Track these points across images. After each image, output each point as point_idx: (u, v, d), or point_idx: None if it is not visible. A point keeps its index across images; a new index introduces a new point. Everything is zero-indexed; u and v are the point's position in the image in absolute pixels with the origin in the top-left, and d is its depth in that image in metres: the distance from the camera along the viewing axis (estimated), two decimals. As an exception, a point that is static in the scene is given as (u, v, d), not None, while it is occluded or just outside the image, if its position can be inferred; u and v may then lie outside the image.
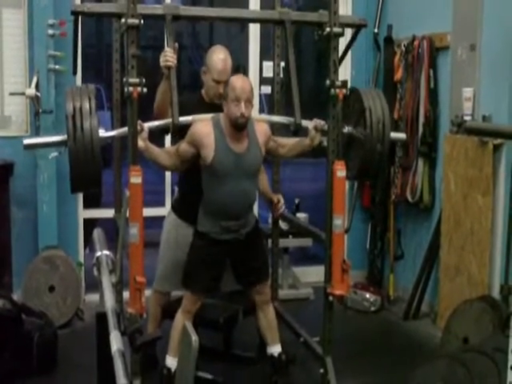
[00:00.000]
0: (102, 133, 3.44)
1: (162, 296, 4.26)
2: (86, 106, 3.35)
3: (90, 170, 3.35)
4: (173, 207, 4.30)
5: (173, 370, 3.81)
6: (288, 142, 4.02)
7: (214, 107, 3.91)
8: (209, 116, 3.81)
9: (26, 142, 3.59)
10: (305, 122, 3.87)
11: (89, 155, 3.30)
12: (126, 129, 3.56)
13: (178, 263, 4.06)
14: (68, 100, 3.36)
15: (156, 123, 3.74)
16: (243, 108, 3.62)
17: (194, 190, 3.89)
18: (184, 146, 3.73)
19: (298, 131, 3.81)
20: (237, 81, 3.69)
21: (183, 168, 3.85)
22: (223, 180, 3.74)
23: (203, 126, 3.73)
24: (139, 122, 3.48)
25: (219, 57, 4.04)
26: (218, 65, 4.00)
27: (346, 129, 3.89)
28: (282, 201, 4.24)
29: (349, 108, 3.96)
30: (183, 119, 3.71)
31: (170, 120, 3.64)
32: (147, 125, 3.55)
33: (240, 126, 3.68)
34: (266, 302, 4.06)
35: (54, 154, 4.74)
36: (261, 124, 3.91)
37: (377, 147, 3.82)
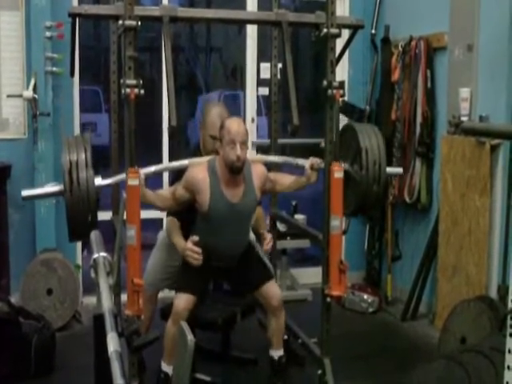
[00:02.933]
0: (98, 181, 3.48)
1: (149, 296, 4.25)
2: (82, 157, 3.38)
3: (87, 220, 3.38)
4: None
5: (170, 374, 3.80)
6: (285, 180, 4.04)
7: None
8: (205, 159, 3.85)
9: (24, 193, 3.63)
10: (301, 161, 3.95)
11: (85, 206, 3.36)
12: (121, 176, 3.60)
13: (163, 264, 4.21)
14: (64, 152, 3.40)
15: (152, 169, 3.77)
16: (239, 150, 3.62)
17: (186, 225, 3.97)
18: (180, 190, 3.76)
19: (296, 133, 3.81)
20: (232, 123, 3.71)
21: (179, 209, 3.89)
22: (216, 227, 3.79)
23: (199, 171, 3.76)
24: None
25: (216, 114, 4.12)
26: (214, 121, 4.07)
27: (343, 165, 3.87)
28: (269, 237, 4.18)
29: (344, 144, 3.97)
30: (179, 163, 3.87)
31: (166, 165, 3.71)
32: (143, 171, 3.56)
33: (236, 170, 3.70)
34: (279, 307, 3.99)
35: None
36: (257, 166, 3.93)
37: (373, 188, 3.84)
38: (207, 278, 4.00)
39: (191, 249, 3.74)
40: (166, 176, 5.39)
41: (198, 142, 4.34)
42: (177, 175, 4.02)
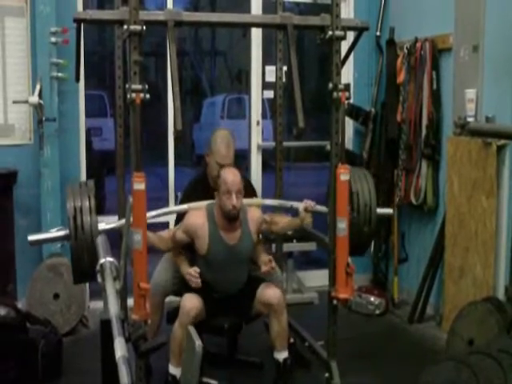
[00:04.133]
0: (102, 226, 3.65)
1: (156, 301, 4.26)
2: (86, 204, 3.53)
3: (92, 265, 3.40)
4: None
5: (178, 377, 3.82)
6: (280, 221, 4.20)
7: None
8: (203, 204, 4.03)
9: (31, 238, 3.76)
10: (295, 204, 4.15)
11: (90, 251, 3.46)
12: (122, 221, 3.72)
13: (168, 277, 4.25)
14: (69, 199, 3.55)
15: (153, 213, 3.91)
16: (234, 200, 3.83)
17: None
18: (179, 235, 3.96)
19: (301, 136, 3.82)
20: (228, 174, 3.90)
21: (179, 250, 4.09)
22: (216, 268, 3.96)
23: (197, 217, 3.96)
24: None
25: (223, 142, 4.28)
26: (221, 149, 4.25)
27: None
28: (274, 264, 4.19)
29: None
30: (178, 208, 4.15)
31: (166, 209, 4.18)
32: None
33: (232, 217, 3.89)
34: (279, 308, 4.00)
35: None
36: (253, 211, 4.11)
37: (364, 229, 4.06)
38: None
39: (190, 273, 3.90)
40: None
41: (205, 166, 4.44)
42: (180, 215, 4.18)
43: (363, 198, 4.05)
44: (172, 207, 4.39)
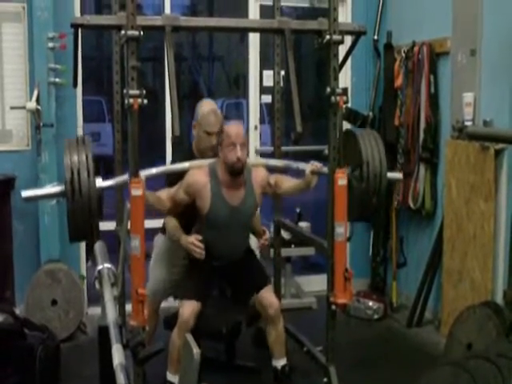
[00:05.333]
0: (100, 183, 3.50)
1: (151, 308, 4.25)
2: (83, 160, 3.40)
3: (88, 222, 3.38)
4: (162, 231, 4.33)
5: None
6: (285, 184, 4.07)
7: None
8: (205, 162, 3.91)
9: (25, 194, 3.64)
10: (302, 165, 4.00)
11: (86, 209, 3.37)
12: (124, 177, 3.63)
13: (168, 279, 4.25)
14: (65, 154, 3.42)
15: (153, 171, 3.84)
16: (239, 152, 3.72)
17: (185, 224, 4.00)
18: (180, 194, 3.84)
19: (299, 140, 3.81)
20: (231, 127, 3.82)
21: (178, 211, 3.94)
22: (217, 229, 3.87)
23: (199, 175, 3.84)
24: None
25: (209, 109, 4.17)
26: (209, 117, 4.13)
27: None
28: (268, 235, 4.24)
29: (345, 149, 3.96)
30: (180, 166, 3.92)
31: (167, 167, 3.94)
32: (144, 173, 3.58)
33: (236, 172, 3.78)
34: (277, 316, 4.00)
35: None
36: (258, 170, 4.00)
37: (372, 199, 3.88)
38: (210, 282, 4.02)
39: (194, 243, 3.80)
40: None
41: (191, 143, 4.35)
42: (173, 177, 4.01)
43: (373, 168, 3.84)
44: (172, 165, 4.17)
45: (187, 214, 3.94)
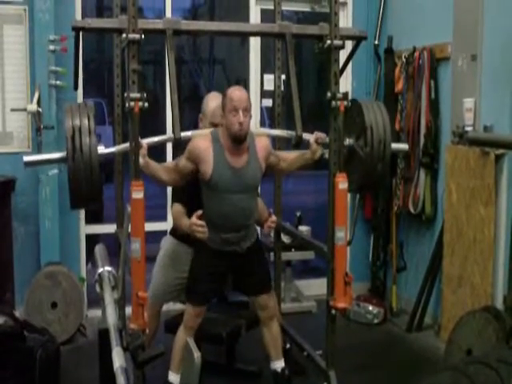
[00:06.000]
0: (102, 149, 3.46)
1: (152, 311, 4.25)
2: (85, 123, 3.36)
3: (89, 187, 3.36)
4: (171, 232, 4.31)
5: None
6: (289, 156, 4.01)
7: None
8: (208, 131, 3.84)
9: (26, 159, 3.61)
10: (306, 136, 3.87)
11: (88, 172, 3.33)
12: (125, 145, 3.59)
13: (169, 283, 4.21)
14: (67, 118, 3.39)
15: (155, 139, 3.76)
16: (241, 117, 3.61)
17: (191, 209, 3.89)
18: (183, 161, 3.73)
19: (299, 144, 3.81)
20: (234, 91, 3.69)
21: (182, 183, 3.85)
22: (222, 194, 3.74)
23: (202, 140, 3.73)
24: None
25: (216, 102, 4.07)
26: (215, 110, 4.04)
27: (347, 141, 3.88)
28: (274, 218, 4.20)
29: (350, 119, 3.95)
30: (183, 134, 3.74)
31: (169, 136, 3.69)
32: (146, 141, 3.55)
33: (239, 138, 3.67)
34: (270, 318, 4.03)
35: (54, 171, 4.78)
36: (261, 139, 3.90)
37: (377, 166, 3.83)
38: (216, 277, 3.93)
39: (195, 223, 3.69)
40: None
41: None
42: (178, 150, 3.95)
43: (377, 133, 3.79)
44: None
45: (192, 193, 3.86)
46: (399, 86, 5.56)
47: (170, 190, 5.61)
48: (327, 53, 3.73)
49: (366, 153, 3.81)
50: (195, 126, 4.28)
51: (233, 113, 3.63)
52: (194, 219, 3.70)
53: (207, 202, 3.80)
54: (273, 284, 4.35)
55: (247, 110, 3.66)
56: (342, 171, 3.78)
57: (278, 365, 4.04)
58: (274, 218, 4.04)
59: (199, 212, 3.71)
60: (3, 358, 4.07)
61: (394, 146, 4.01)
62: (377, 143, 3.80)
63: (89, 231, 5.73)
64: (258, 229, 4.16)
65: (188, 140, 3.78)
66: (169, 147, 5.71)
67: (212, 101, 4.13)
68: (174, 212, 4.05)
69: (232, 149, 3.72)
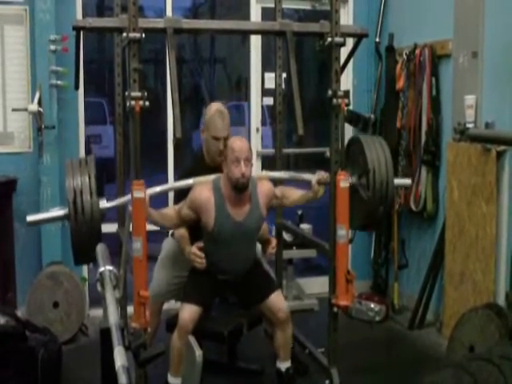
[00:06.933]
0: (103, 204, 3.49)
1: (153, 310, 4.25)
2: (86, 183, 3.40)
3: (92, 244, 3.38)
4: (172, 234, 4.32)
5: None
6: (292, 195, 4.03)
7: (216, 171, 3.96)
8: (209, 178, 3.86)
9: (29, 218, 3.63)
10: (308, 176, 3.94)
11: (90, 230, 3.38)
12: (126, 198, 3.62)
13: (169, 282, 4.25)
14: (68, 177, 3.42)
15: (157, 189, 3.81)
16: (243, 168, 3.65)
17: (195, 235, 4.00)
18: (185, 210, 3.78)
19: (301, 142, 3.81)
20: (235, 142, 3.74)
21: (184, 226, 3.94)
22: (223, 245, 3.82)
23: (203, 191, 3.77)
24: None
25: (217, 114, 4.14)
26: (216, 122, 4.11)
27: (350, 179, 3.83)
28: (275, 242, 4.22)
29: (352, 156, 3.95)
30: (184, 183, 3.89)
31: (170, 185, 3.95)
32: (148, 191, 3.56)
33: (241, 187, 3.70)
34: (286, 321, 3.96)
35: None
36: (263, 183, 3.93)
37: (379, 208, 3.83)
38: (213, 291, 3.99)
39: (195, 253, 3.82)
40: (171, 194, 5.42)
41: (201, 145, 4.35)
42: (180, 192, 4.01)
43: (379, 174, 3.78)
44: (176, 182, 4.17)
45: (196, 227, 3.93)
46: (400, 84, 5.56)
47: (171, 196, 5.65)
48: (328, 50, 3.73)
49: (368, 195, 3.80)
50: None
51: (235, 164, 3.66)
52: (194, 249, 3.83)
53: (207, 245, 3.88)
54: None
55: (248, 160, 3.70)
56: (343, 169, 3.78)
57: (285, 365, 4.02)
58: (274, 243, 4.08)
59: (200, 244, 3.83)
60: (5, 357, 4.08)
61: (397, 181, 4.00)
62: (379, 185, 3.79)
63: (90, 231, 5.71)
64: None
65: (185, 191, 3.86)
66: (170, 150, 5.72)
67: (215, 114, 4.17)
68: (177, 236, 4.10)
69: (234, 198, 3.76)
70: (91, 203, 3.36)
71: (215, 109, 4.21)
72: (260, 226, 3.94)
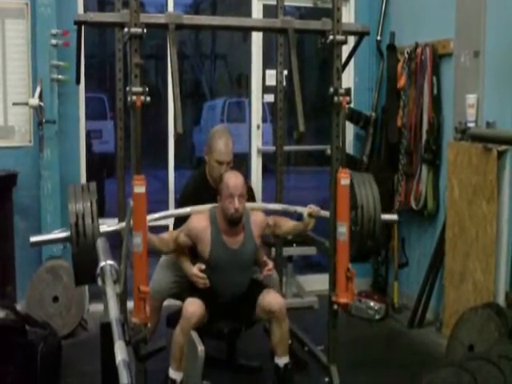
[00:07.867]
0: (104, 228, 3.63)
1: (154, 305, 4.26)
2: (88, 209, 3.48)
3: (93, 266, 3.41)
4: None
5: (178, 381, 3.82)
6: (284, 225, 4.20)
7: (218, 192, 4.02)
8: (206, 208, 4.00)
9: (33, 239, 3.73)
10: (300, 209, 4.14)
11: (91, 253, 3.39)
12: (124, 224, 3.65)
13: (169, 280, 4.28)
14: (70, 203, 3.49)
15: (155, 216, 3.93)
16: (237, 203, 3.80)
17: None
18: (182, 238, 3.94)
19: (301, 140, 3.80)
20: (230, 178, 3.87)
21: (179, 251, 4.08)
22: (218, 272, 3.93)
23: (200, 220, 3.94)
24: None
25: (221, 139, 4.28)
26: (220, 147, 4.25)
27: None
28: (271, 264, 4.21)
29: None
30: (181, 211, 4.08)
31: (170, 212, 4.14)
32: (148, 218, 3.62)
33: (234, 221, 3.87)
34: (281, 314, 3.97)
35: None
36: (257, 214, 4.09)
37: (367, 243, 3.98)
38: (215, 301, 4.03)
39: (196, 275, 3.92)
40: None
41: (204, 162, 4.44)
42: (179, 217, 4.15)
43: (368, 211, 3.92)
44: (174, 210, 4.35)
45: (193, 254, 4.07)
46: (401, 82, 5.55)
47: (171, 185, 5.65)
48: (330, 48, 3.73)
49: (356, 231, 3.92)
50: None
51: (229, 199, 3.82)
52: (195, 271, 3.93)
53: (204, 272, 3.96)
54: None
55: (242, 196, 3.85)
56: (343, 167, 3.78)
57: (283, 361, 4.02)
58: (270, 265, 4.09)
59: (202, 266, 3.92)
60: (5, 351, 4.08)
61: (384, 217, 4.10)
62: (366, 221, 3.93)
63: (90, 226, 5.71)
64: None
65: (185, 216, 4.01)
66: (171, 145, 5.71)
67: (219, 139, 4.29)
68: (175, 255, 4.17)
69: (228, 229, 3.92)
70: (92, 227, 3.45)
71: (219, 132, 4.37)
72: (254, 255, 4.06)
